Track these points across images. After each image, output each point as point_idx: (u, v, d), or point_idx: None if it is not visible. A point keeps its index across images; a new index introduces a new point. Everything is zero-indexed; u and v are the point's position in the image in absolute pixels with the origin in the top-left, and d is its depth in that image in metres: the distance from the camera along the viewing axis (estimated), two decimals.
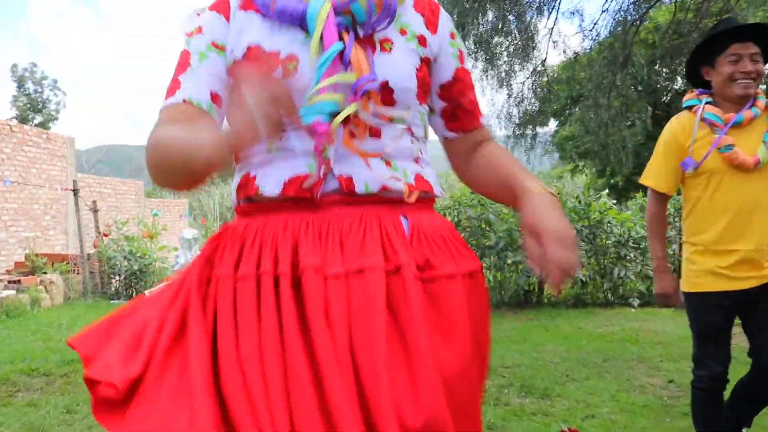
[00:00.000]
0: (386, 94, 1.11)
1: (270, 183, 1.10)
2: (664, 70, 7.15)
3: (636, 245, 7.78)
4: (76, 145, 12.34)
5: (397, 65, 1.12)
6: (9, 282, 6.74)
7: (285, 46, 1.09)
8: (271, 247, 1.05)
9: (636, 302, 7.48)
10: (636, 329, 5.97)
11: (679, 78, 7.85)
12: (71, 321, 6.32)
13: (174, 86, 1.13)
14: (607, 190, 9.02)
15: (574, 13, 6.77)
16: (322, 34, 1.05)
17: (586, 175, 20.18)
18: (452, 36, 1.25)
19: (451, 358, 1.04)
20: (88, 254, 8.20)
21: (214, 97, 1.13)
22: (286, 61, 1.08)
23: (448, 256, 1.12)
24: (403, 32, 1.16)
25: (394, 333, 1.00)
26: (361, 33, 1.11)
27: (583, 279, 7.65)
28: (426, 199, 1.17)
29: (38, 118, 39.99)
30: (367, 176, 1.09)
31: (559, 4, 6.47)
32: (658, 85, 8.13)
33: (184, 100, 1.11)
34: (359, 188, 1.08)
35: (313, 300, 0.98)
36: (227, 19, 1.16)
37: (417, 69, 1.16)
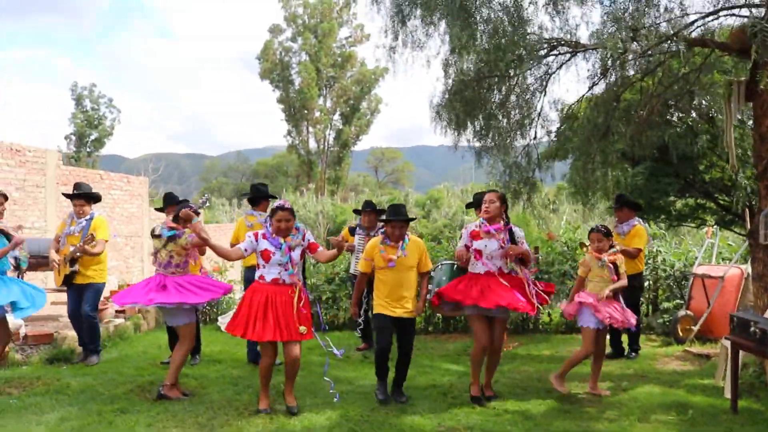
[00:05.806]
0: None
1: None
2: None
3: None
4: (126, 155, 14.41)
5: None
6: (117, 312, 8.75)
7: None
8: None
9: None
10: None
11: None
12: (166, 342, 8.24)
13: None
14: None
15: (557, 101, 8.35)
16: None
17: None
18: None
19: None
20: None
21: None
22: None
23: None
24: None
25: None
26: None
27: None
28: None
29: (94, 134, 42.43)
30: None
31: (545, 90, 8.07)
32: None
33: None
34: None
35: None
36: None
37: None
